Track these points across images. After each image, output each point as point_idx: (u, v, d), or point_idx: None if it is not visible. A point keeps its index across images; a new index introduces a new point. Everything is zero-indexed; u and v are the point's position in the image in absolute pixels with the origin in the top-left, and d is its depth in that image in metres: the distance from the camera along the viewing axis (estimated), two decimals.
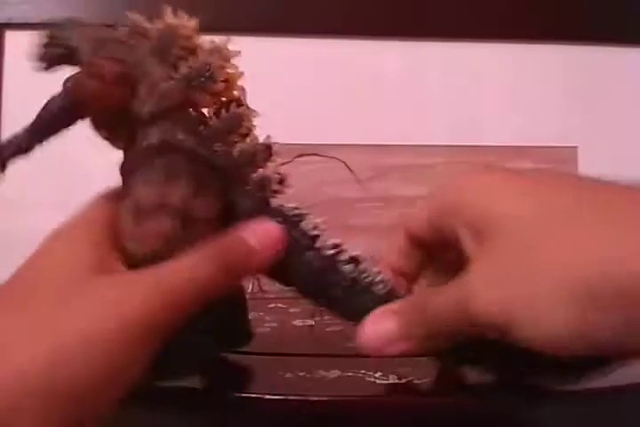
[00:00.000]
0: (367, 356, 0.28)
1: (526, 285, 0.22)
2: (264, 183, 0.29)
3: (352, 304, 0.28)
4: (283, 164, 0.85)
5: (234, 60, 0.32)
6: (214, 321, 0.30)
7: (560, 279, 0.21)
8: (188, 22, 0.32)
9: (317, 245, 0.28)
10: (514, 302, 0.22)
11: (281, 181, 0.30)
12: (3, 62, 0.72)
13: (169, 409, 0.29)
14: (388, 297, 0.28)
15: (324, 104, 0.77)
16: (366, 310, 0.27)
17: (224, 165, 0.28)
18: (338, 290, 0.28)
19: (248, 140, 0.30)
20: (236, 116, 0.30)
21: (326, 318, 0.50)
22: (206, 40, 0.31)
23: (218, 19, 0.75)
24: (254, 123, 0.31)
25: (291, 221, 0.29)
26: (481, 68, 0.78)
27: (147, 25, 0.31)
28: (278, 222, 0.28)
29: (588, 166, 0.79)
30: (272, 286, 0.72)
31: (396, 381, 0.29)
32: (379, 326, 0.26)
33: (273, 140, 0.31)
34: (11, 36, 0.72)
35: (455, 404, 0.28)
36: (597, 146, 0.79)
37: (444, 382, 0.29)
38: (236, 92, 0.31)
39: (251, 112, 0.31)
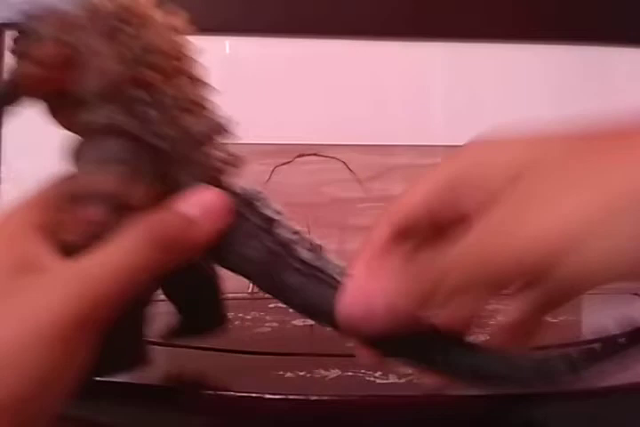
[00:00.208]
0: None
1: (579, 202, 0.20)
2: (212, 162, 0.27)
3: (308, 295, 0.25)
4: (283, 164, 0.85)
5: (186, 36, 0.30)
6: (184, 304, 0.30)
7: (613, 192, 0.19)
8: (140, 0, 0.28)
9: (275, 229, 0.26)
10: (571, 221, 0.19)
11: (234, 162, 0.28)
12: (3, 62, 0.72)
13: (169, 409, 0.29)
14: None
15: (325, 104, 0.77)
16: (325, 303, 0.24)
17: (169, 147, 0.26)
18: (293, 277, 0.25)
19: (199, 119, 0.28)
20: (185, 92, 0.27)
21: None
22: (158, 15, 0.29)
23: (218, 19, 0.75)
24: (209, 100, 0.28)
25: (247, 202, 0.26)
26: (480, 68, 0.78)
27: (99, 5, 0.28)
28: (233, 204, 0.26)
29: None
30: None
31: (396, 381, 0.29)
32: (366, 284, 0.22)
33: (227, 118, 0.29)
34: (11, 36, 0.72)
35: (455, 404, 0.28)
36: None
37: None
38: (187, 65, 0.28)
39: (204, 89, 0.28)
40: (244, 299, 0.67)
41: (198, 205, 0.24)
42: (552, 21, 0.78)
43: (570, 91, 0.80)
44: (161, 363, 0.35)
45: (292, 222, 0.27)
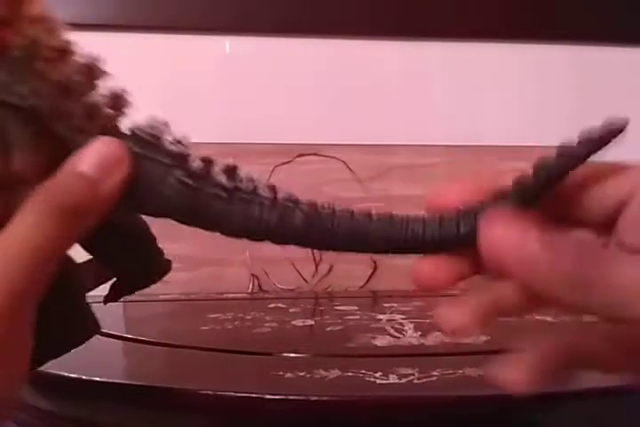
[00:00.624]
0: (367, 356, 0.28)
1: None
2: (93, 111, 0.24)
3: (238, 217, 0.24)
4: (283, 163, 0.85)
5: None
6: (118, 261, 0.28)
7: None
8: None
9: (185, 162, 0.25)
10: None
11: (116, 104, 0.25)
12: None
13: (169, 409, 0.29)
14: (278, 201, 0.25)
15: (324, 104, 0.77)
16: (255, 219, 0.24)
17: (33, 105, 0.24)
18: (217, 204, 0.24)
19: (61, 64, 0.25)
20: (33, 39, 0.24)
21: (326, 317, 0.50)
22: None
23: (218, 19, 0.75)
24: (66, 40, 0.25)
25: (147, 142, 0.25)
26: (481, 68, 0.78)
27: None
28: (134, 147, 0.24)
29: None
30: (272, 286, 0.73)
31: (396, 381, 0.29)
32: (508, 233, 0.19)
33: (95, 58, 0.25)
34: None
35: (455, 403, 0.28)
36: None
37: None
38: (32, 9, 0.24)
39: (58, 28, 0.25)
40: (243, 299, 0.67)
41: (93, 160, 0.23)
42: (552, 22, 0.78)
43: (570, 90, 0.80)
44: (161, 363, 0.35)
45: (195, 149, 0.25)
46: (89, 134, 0.24)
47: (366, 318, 0.47)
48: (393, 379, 0.29)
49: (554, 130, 0.81)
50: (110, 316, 0.54)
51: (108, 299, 0.30)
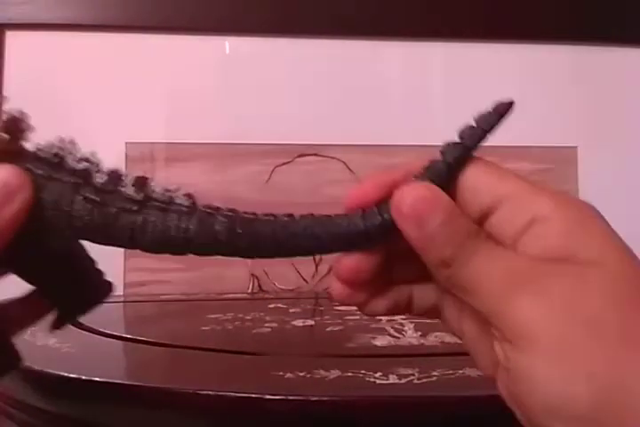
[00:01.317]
0: (367, 356, 0.28)
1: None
2: None
3: (155, 227, 0.23)
4: (283, 164, 0.85)
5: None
6: (54, 286, 0.27)
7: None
8: None
9: (91, 179, 0.24)
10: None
11: (12, 127, 0.24)
12: (3, 62, 0.72)
13: (169, 409, 0.29)
14: (196, 209, 0.24)
15: (324, 104, 0.77)
16: (174, 228, 0.23)
17: None
18: (130, 218, 0.23)
19: None
20: None
21: (326, 317, 0.50)
22: None
23: (218, 19, 0.75)
24: None
25: (50, 162, 0.24)
26: (481, 68, 0.78)
27: None
28: (35, 169, 0.23)
29: (587, 166, 0.79)
30: (272, 286, 0.73)
31: (396, 381, 0.29)
32: (420, 205, 0.21)
33: None
34: (11, 37, 0.73)
35: (455, 403, 0.28)
36: (597, 146, 0.79)
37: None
38: None
39: None
40: (244, 299, 0.67)
41: None
42: (553, 22, 0.78)
43: (568, 91, 0.80)
44: (161, 363, 0.35)
45: (105, 166, 0.24)
46: None
47: (366, 318, 0.47)
48: (393, 379, 0.29)
49: (554, 130, 0.81)
50: (110, 316, 0.53)
51: (54, 326, 0.28)
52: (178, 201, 0.23)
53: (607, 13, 0.78)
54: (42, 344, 0.34)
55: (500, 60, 0.79)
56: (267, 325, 0.46)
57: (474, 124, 0.24)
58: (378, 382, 0.29)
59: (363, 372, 0.30)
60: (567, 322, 0.19)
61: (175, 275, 0.71)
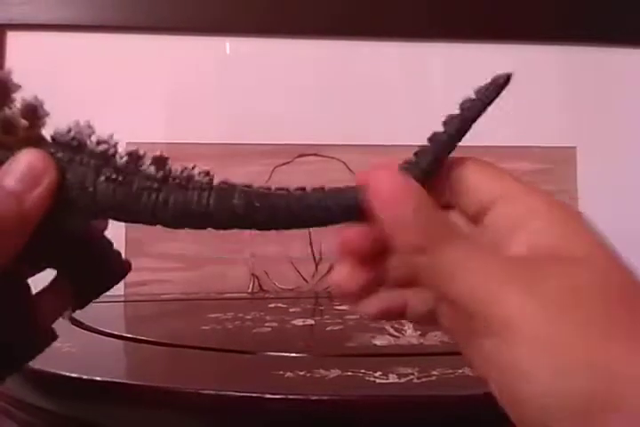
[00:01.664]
0: (367, 355, 0.28)
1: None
2: (8, 125, 0.24)
3: (176, 204, 0.24)
4: (283, 164, 0.85)
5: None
6: (75, 269, 0.28)
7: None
8: None
9: (112, 160, 0.25)
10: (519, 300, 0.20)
11: (31, 114, 0.25)
12: (4, 62, 0.72)
13: (169, 409, 0.29)
14: (214, 185, 0.25)
15: (324, 104, 0.77)
16: (194, 205, 0.24)
17: None
18: (152, 195, 0.25)
19: None
20: None
21: (326, 317, 0.50)
22: None
23: (219, 20, 0.75)
24: None
25: (70, 146, 0.25)
26: (481, 68, 0.78)
27: None
28: (56, 153, 0.24)
29: (586, 166, 0.79)
30: (272, 286, 0.73)
31: (396, 381, 0.29)
32: (394, 191, 0.21)
33: (5, 73, 0.26)
34: (12, 37, 0.73)
35: (455, 403, 0.28)
36: (596, 146, 0.79)
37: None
38: None
39: None
40: (244, 299, 0.67)
41: (16, 173, 0.23)
42: (553, 22, 0.78)
43: (568, 91, 0.80)
44: (161, 362, 0.35)
45: (120, 146, 0.25)
46: (10, 148, 0.24)
47: (366, 317, 0.47)
48: (393, 378, 0.29)
49: (553, 130, 0.81)
50: (110, 316, 0.54)
51: (74, 308, 0.29)
52: (196, 178, 0.24)
53: (608, 14, 0.78)
54: None
55: (499, 61, 0.79)
56: (267, 324, 0.46)
57: (474, 97, 0.25)
58: (378, 381, 0.29)
59: (362, 371, 0.30)
60: (554, 313, 0.20)
61: (175, 274, 0.71)
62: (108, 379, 0.30)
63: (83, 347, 0.39)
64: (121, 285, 0.77)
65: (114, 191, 0.24)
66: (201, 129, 0.75)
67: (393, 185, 0.22)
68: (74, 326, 0.43)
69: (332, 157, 0.76)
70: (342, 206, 0.24)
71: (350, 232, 0.24)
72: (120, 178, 0.24)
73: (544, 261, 0.21)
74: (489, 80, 0.25)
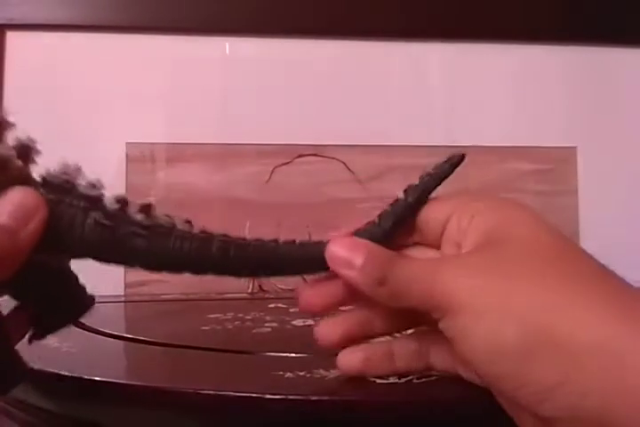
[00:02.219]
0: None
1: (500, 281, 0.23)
2: (3, 163, 0.25)
3: (159, 250, 0.26)
4: (283, 164, 0.85)
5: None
6: (40, 301, 0.29)
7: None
8: None
9: (101, 203, 0.26)
10: (482, 289, 0.23)
11: (23, 154, 0.25)
12: (3, 62, 0.72)
13: (169, 409, 0.29)
14: (195, 234, 0.27)
15: (324, 104, 0.77)
16: (175, 252, 0.26)
17: None
18: (136, 240, 0.26)
19: None
20: None
21: (326, 317, 0.50)
22: None
23: (218, 20, 0.75)
24: None
25: (61, 188, 0.26)
26: (481, 68, 0.79)
27: None
28: (47, 195, 0.25)
29: (587, 166, 0.79)
30: (272, 286, 0.73)
31: (396, 381, 0.29)
32: (346, 252, 0.26)
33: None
34: (12, 37, 0.73)
35: (455, 403, 0.28)
36: (596, 146, 0.79)
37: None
38: None
39: None
40: (244, 299, 0.67)
41: (9, 210, 0.24)
42: (552, 22, 0.78)
43: (568, 91, 0.80)
44: (161, 363, 0.35)
45: (113, 193, 0.27)
46: (2, 186, 0.24)
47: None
48: (393, 379, 0.29)
49: (553, 130, 0.81)
50: (110, 315, 0.54)
51: (33, 338, 0.29)
52: (179, 226, 0.26)
53: (607, 14, 0.78)
54: (42, 344, 0.33)
55: (499, 61, 0.79)
56: (267, 324, 0.46)
57: (432, 171, 0.28)
58: (378, 381, 0.29)
59: None
60: (486, 282, 0.23)
61: (175, 275, 0.71)
62: (108, 379, 0.30)
63: (82, 347, 0.39)
64: (121, 285, 0.77)
65: (100, 234, 0.25)
66: (201, 129, 0.75)
67: (342, 247, 0.26)
68: (74, 327, 0.43)
69: (332, 158, 0.76)
70: (310, 259, 0.27)
71: (305, 293, 0.28)
72: (107, 222, 0.25)
73: (479, 246, 0.25)
74: (445, 158, 0.28)
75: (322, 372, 0.30)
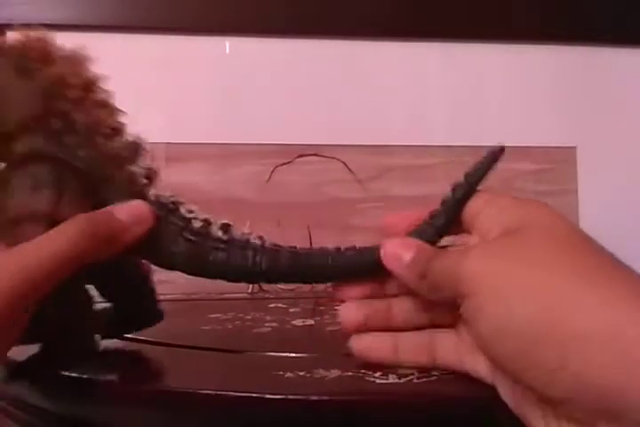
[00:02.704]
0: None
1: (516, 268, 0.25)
2: (133, 179, 0.31)
3: (236, 261, 0.30)
4: (283, 164, 0.85)
5: (89, 64, 0.33)
6: (120, 302, 0.34)
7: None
8: (39, 34, 0.32)
9: (191, 224, 0.31)
10: (500, 278, 0.24)
11: (149, 176, 0.32)
12: None
13: (169, 409, 0.29)
14: (267, 247, 0.30)
15: (324, 104, 0.77)
16: (250, 263, 0.30)
17: (88, 167, 0.30)
18: (216, 254, 0.30)
19: (115, 139, 0.31)
20: (96, 118, 0.31)
21: (326, 317, 0.50)
22: (60, 48, 0.32)
23: (218, 19, 0.75)
24: (121, 122, 0.32)
25: (167, 208, 0.31)
26: (481, 68, 0.79)
27: (3, 43, 0.32)
28: (155, 211, 0.30)
29: (586, 166, 0.79)
30: (272, 286, 0.72)
31: (396, 381, 0.29)
32: (398, 250, 0.28)
33: (143, 137, 0.32)
34: (11, 37, 0.72)
35: (455, 403, 0.28)
36: (596, 146, 0.79)
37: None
38: (97, 95, 0.32)
39: (115, 112, 0.32)
40: (244, 299, 0.67)
41: (128, 212, 0.30)
42: (552, 22, 0.78)
43: (570, 91, 0.80)
44: (161, 363, 0.35)
45: (202, 213, 0.31)
46: (123, 196, 0.30)
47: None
48: (393, 379, 0.29)
49: (553, 130, 0.81)
50: None
51: (106, 336, 0.35)
52: (252, 240, 0.30)
53: (608, 14, 0.78)
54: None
55: (499, 61, 0.79)
56: (267, 324, 0.46)
57: (475, 167, 0.30)
58: (378, 381, 0.29)
59: (362, 371, 0.30)
60: (505, 266, 0.24)
61: (175, 274, 0.71)
62: (108, 379, 0.30)
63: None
64: None
65: (189, 250, 0.30)
66: (201, 129, 0.75)
67: (395, 245, 0.29)
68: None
69: (332, 158, 0.76)
70: (368, 263, 0.30)
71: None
72: (195, 239, 0.30)
73: (502, 234, 0.26)
74: (485, 153, 0.30)
75: (322, 372, 0.30)
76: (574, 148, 0.79)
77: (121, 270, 0.34)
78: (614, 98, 0.80)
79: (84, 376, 0.31)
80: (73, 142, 0.30)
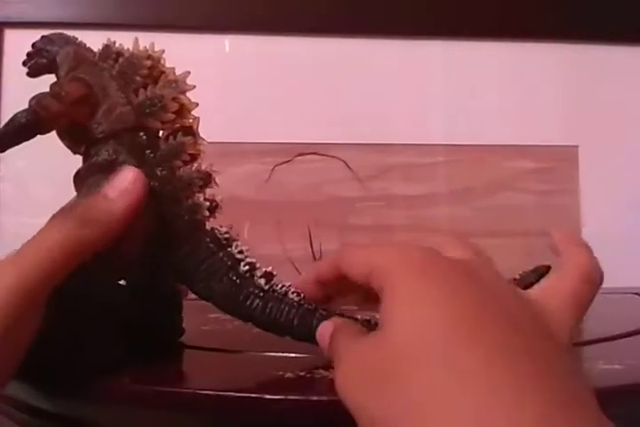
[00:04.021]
0: None
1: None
2: (195, 209, 0.32)
3: (271, 312, 0.31)
4: (283, 163, 0.85)
5: (189, 93, 0.35)
6: (143, 316, 0.35)
7: None
8: (153, 53, 0.36)
9: (238, 265, 0.32)
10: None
11: (212, 208, 0.33)
12: (2, 61, 0.72)
13: (169, 409, 0.29)
14: (302, 305, 0.31)
15: (324, 103, 0.76)
16: (283, 317, 0.31)
17: (161, 187, 0.32)
18: (254, 300, 0.31)
19: (190, 166, 0.32)
20: (180, 144, 0.32)
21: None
22: (169, 71, 0.35)
23: (218, 18, 0.75)
24: (200, 150, 0.33)
25: (220, 243, 0.32)
26: (481, 67, 0.78)
27: (116, 50, 0.35)
28: (209, 243, 0.32)
29: (588, 165, 0.79)
30: None
31: None
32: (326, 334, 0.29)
33: (214, 169, 0.33)
34: (10, 35, 0.72)
35: None
36: (598, 145, 0.79)
37: None
38: (187, 121, 0.33)
39: (198, 141, 0.33)
40: None
41: (117, 186, 0.30)
42: (552, 20, 0.78)
43: (570, 90, 0.80)
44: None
45: (250, 258, 0.33)
46: (185, 223, 0.32)
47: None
48: None
49: (555, 129, 0.81)
50: None
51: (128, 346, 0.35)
52: (290, 295, 0.31)
53: (611, 12, 0.78)
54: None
55: (500, 59, 0.78)
56: None
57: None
58: None
59: None
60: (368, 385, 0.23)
61: None
62: (108, 379, 0.30)
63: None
64: None
65: (229, 289, 0.31)
66: (201, 128, 0.74)
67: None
68: None
69: (332, 156, 0.76)
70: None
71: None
72: (238, 281, 0.31)
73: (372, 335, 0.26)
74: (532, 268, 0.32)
75: (322, 372, 0.30)
76: (576, 146, 0.79)
77: (157, 283, 0.35)
78: (617, 97, 0.80)
79: (84, 376, 0.31)
80: (153, 161, 0.32)
